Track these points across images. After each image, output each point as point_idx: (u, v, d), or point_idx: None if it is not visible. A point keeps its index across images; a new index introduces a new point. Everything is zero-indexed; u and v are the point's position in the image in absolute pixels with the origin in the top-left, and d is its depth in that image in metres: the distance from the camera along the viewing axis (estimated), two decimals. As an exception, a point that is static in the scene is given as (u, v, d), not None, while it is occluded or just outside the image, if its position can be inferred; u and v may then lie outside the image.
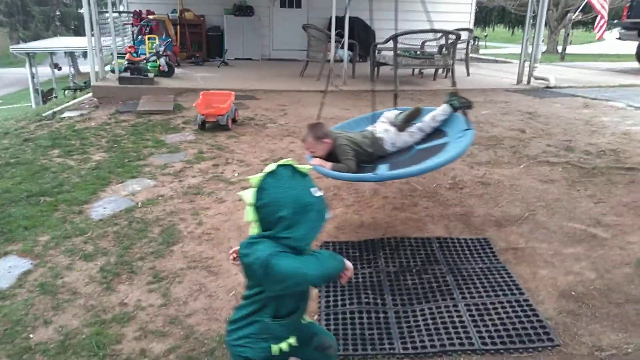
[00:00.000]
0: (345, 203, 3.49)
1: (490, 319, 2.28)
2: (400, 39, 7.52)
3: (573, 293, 2.46)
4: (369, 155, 3.15)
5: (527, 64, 8.37)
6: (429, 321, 2.29)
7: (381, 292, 2.53)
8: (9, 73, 25.65)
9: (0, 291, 2.54)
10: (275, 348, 1.48)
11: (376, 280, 2.63)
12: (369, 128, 3.38)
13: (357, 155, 3.07)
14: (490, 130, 5.26)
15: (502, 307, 2.36)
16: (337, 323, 2.31)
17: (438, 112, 3.28)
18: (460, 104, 3.19)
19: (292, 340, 1.52)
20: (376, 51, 8.37)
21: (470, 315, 2.30)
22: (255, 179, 1.37)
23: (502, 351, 2.10)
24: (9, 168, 4.24)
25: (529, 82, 8.37)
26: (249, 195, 1.37)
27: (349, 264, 1.56)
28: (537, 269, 2.68)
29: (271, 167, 1.38)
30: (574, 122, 5.62)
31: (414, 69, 8.98)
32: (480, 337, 2.16)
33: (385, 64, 8.35)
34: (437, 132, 3.27)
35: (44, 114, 6.42)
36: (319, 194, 1.41)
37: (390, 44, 7.59)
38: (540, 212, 3.30)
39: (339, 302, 2.46)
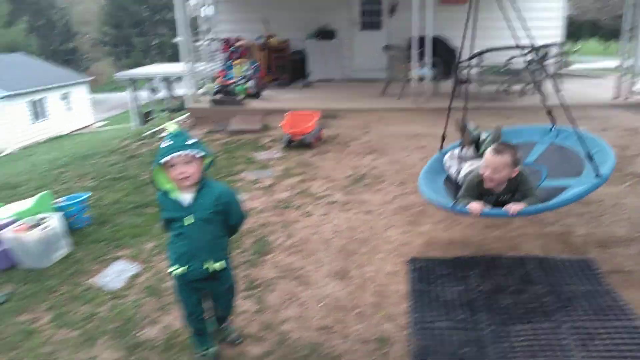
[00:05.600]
0: (433, 219, 3.44)
1: (595, 345, 2.13)
2: (484, 55, 7.36)
3: (694, 322, 2.23)
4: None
5: (625, 78, 7.81)
6: (528, 342, 2.18)
7: (474, 311, 2.45)
8: (113, 97, 28.36)
9: (114, 291, 2.79)
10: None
11: (469, 299, 2.56)
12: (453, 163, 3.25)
13: None
14: (587, 147, 4.94)
15: (609, 333, 2.19)
16: (427, 339, 2.27)
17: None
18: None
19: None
20: (458, 69, 8.23)
21: (574, 340, 2.17)
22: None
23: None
24: (117, 182, 4.66)
25: (628, 97, 7.79)
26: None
27: None
28: (649, 294, 2.47)
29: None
30: (684, 139, 5.14)
31: (499, 86, 8.70)
32: (587, 363, 2.03)
33: (468, 81, 8.17)
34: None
35: (144, 134, 6.99)
36: None
37: (474, 61, 7.45)
38: (650, 233, 3.05)
39: (429, 319, 2.42)
